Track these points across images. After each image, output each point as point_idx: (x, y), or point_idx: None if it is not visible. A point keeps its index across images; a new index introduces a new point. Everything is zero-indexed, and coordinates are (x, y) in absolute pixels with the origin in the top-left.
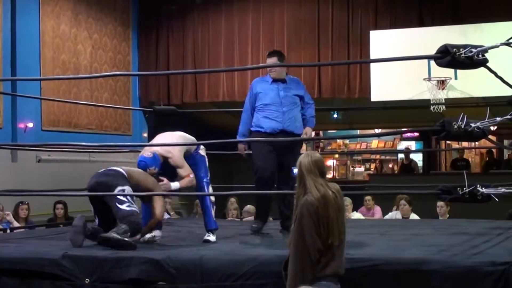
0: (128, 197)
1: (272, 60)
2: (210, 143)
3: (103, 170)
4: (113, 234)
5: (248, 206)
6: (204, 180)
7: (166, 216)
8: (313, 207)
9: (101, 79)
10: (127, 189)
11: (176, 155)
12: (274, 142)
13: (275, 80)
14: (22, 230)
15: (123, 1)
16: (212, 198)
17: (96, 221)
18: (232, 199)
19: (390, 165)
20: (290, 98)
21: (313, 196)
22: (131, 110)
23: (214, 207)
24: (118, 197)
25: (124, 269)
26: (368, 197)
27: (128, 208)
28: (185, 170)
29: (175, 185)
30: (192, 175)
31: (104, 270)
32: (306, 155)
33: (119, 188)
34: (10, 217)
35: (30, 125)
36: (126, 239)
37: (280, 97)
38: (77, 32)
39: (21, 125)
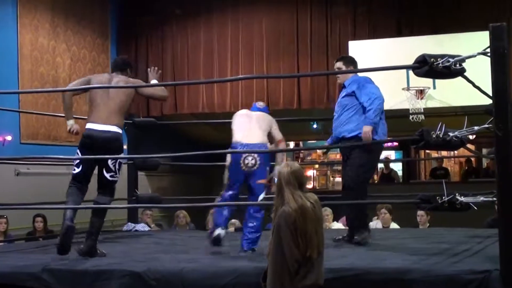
0: (117, 167)
1: (336, 64)
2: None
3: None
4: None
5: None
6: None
7: (147, 228)
8: (290, 218)
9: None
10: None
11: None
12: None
13: (344, 87)
14: (1, 244)
15: (101, 13)
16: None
17: (77, 170)
18: (212, 211)
19: None
20: (341, 101)
21: (290, 207)
22: None
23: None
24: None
25: (105, 282)
26: None
27: (111, 179)
28: (279, 134)
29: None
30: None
31: (84, 284)
32: (285, 165)
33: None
34: None
35: (9, 138)
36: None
37: (336, 104)
38: (56, 45)
39: (0, 138)
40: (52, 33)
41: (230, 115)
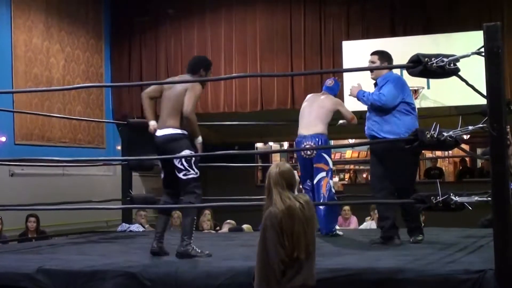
0: (186, 164)
1: (371, 58)
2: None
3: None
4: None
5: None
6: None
7: (141, 229)
8: (276, 219)
9: (74, 92)
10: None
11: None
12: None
13: (376, 84)
14: None
15: (95, 14)
16: None
17: (162, 175)
18: (207, 211)
19: (364, 175)
20: None
21: (277, 208)
22: (104, 123)
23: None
24: (177, 165)
25: (99, 282)
26: (346, 207)
27: (185, 178)
28: (348, 112)
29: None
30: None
31: (79, 284)
32: (275, 166)
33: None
34: None
35: (3, 139)
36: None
37: None
38: (50, 45)
39: None
40: (46, 33)
41: (224, 115)
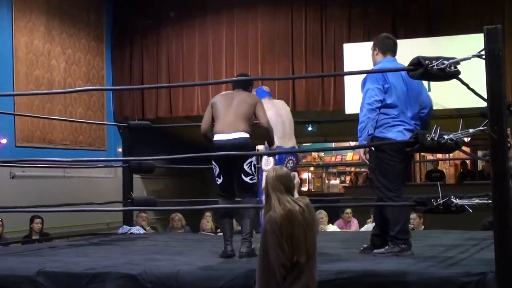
0: (253, 169)
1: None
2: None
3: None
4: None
5: None
6: None
7: (142, 231)
8: (276, 224)
9: (75, 94)
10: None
11: None
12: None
13: None
14: None
15: (96, 16)
16: None
17: (220, 180)
18: (208, 213)
19: None
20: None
21: (276, 212)
22: (105, 125)
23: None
24: (246, 168)
25: (100, 284)
26: (348, 210)
27: (251, 182)
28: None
29: None
30: None
31: (79, 286)
32: (273, 170)
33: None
34: None
35: (4, 141)
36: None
37: None
38: (51, 48)
39: None
40: (47, 36)
41: None
